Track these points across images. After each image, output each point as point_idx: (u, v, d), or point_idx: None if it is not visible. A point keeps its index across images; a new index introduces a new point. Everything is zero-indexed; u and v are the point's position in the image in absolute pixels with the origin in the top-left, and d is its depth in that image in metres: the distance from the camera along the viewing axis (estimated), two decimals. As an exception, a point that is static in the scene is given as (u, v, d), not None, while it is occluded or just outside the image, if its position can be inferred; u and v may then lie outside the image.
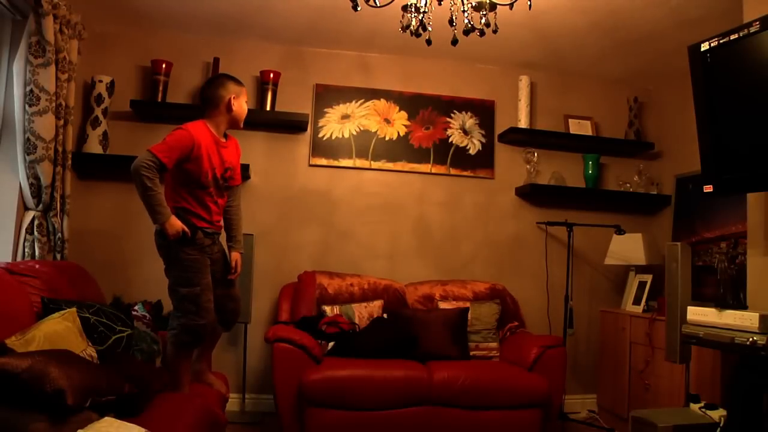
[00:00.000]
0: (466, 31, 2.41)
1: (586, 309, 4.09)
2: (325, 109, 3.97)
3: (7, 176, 2.93)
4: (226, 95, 2.65)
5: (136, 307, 2.70)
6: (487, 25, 2.40)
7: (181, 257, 2.53)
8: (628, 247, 3.83)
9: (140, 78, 3.80)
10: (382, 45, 3.89)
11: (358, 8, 2.39)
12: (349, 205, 3.96)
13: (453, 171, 4.07)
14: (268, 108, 3.78)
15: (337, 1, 3.20)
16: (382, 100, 4.04)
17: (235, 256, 2.81)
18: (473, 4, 2.40)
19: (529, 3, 2.38)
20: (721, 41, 2.36)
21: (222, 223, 2.77)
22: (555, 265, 4.04)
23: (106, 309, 2.42)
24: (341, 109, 3.98)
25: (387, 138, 4.02)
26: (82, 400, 1.62)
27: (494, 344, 3.48)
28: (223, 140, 2.70)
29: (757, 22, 2.20)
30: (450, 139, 4.09)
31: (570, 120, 4.22)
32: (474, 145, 4.11)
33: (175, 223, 2.47)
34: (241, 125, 2.75)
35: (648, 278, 3.70)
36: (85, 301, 2.39)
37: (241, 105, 2.71)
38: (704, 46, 2.43)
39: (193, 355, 2.64)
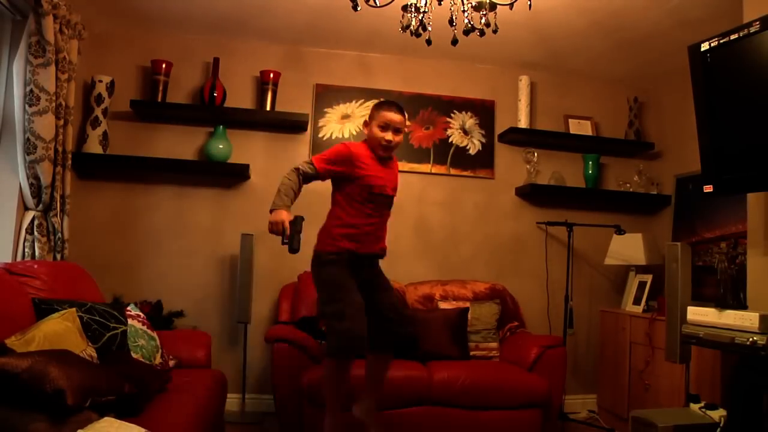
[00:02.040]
0: (466, 31, 2.41)
1: (586, 309, 4.09)
2: (325, 109, 3.97)
3: (7, 176, 2.93)
4: (368, 119, 2.60)
5: (129, 308, 2.69)
6: (487, 25, 2.40)
7: (322, 277, 2.52)
8: (628, 247, 3.83)
9: (140, 78, 3.80)
10: (382, 45, 3.89)
11: (358, 8, 2.39)
12: (349, 205, 3.95)
13: (453, 171, 4.07)
14: (268, 108, 3.78)
15: (337, 1, 3.20)
16: (382, 100, 4.03)
17: None
18: (473, 4, 2.41)
19: (529, 3, 2.38)
20: (721, 41, 2.35)
21: (383, 245, 2.63)
22: (555, 265, 4.04)
23: (99, 307, 2.42)
24: (341, 109, 3.98)
25: (387, 138, 4.01)
26: (82, 400, 1.62)
27: (494, 344, 3.48)
28: (386, 161, 2.59)
29: (757, 22, 2.20)
30: (450, 139, 4.09)
31: (570, 120, 4.22)
32: (474, 145, 4.11)
33: (278, 216, 2.34)
34: (380, 152, 2.54)
35: (648, 278, 3.70)
36: (77, 300, 2.39)
37: (372, 131, 2.53)
38: (704, 46, 2.43)
39: (348, 375, 2.50)
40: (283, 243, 2.34)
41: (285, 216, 2.34)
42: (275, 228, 2.33)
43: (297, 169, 2.44)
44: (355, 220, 2.52)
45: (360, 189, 2.49)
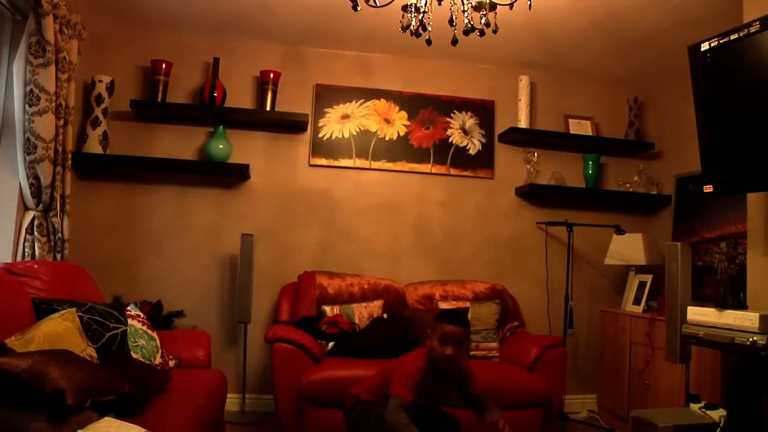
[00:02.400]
0: (466, 31, 2.41)
1: (586, 309, 4.09)
2: (325, 109, 3.97)
3: (7, 176, 2.93)
4: (429, 330, 2.40)
5: (129, 308, 2.69)
6: (487, 25, 2.40)
7: None
8: (628, 247, 3.83)
9: (140, 78, 3.80)
10: (382, 45, 3.89)
11: (358, 8, 2.39)
12: (349, 205, 3.96)
13: (453, 171, 4.07)
14: (268, 108, 3.78)
15: (337, 1, 3.20)
16: (382, 100, 4.04)
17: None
18: (473, 4, 2.40)
19: (529, 3, 2.38)
20: (721, 41, 2.35)
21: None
22: (555, 265, 4.04)
23: (99, 307, 2.42)
24: (341, 109, 3.98)
25: (387, 138, 4.02)
26: (82, 400, 1.62)
27: (494, 344, 3.48)
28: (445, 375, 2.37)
29: (757, 22, 2.20)
30: (450, 139, 4.09)
31: (570, 120, 4.22)
32: (474, 145, 4.11)
33: None
34: (440, 367, 2.33)
35: (648, 278, 3.70)
36: (78, 300, 2.39)
37: (432, 344, 2.32)
38: (704, 46, 2.43)
39: None
40: None
41: None
42: None
43: (396, 408, 2.23)
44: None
45: None
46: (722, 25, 2.43)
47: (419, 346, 2.64)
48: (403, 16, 2.52)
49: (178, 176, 3.77)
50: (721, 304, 2.36)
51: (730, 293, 2.50)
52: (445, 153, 4.07)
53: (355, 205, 3.96)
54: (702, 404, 2.55)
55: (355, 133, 3.98)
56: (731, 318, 2.25)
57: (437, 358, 2.32)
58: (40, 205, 2.96)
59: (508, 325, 3.63)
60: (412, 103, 4.06)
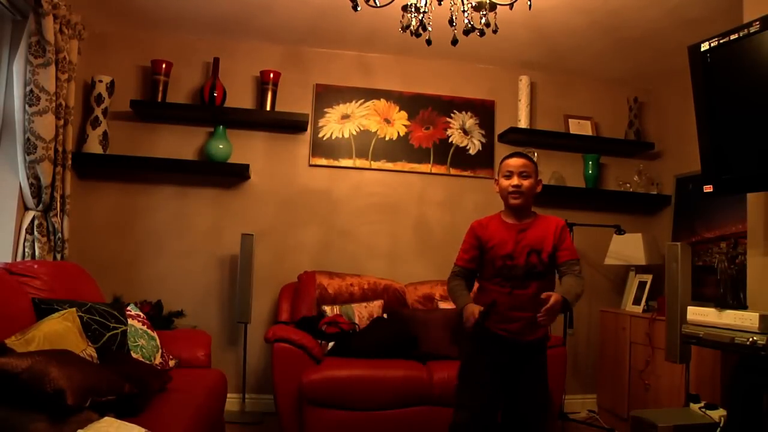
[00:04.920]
0: (466, 31, 2.41)
1: (586, 309, 4.09)
2: (325, 109, 3.97)
3: (7, 176, 2.93)
4: (495, 181, 2.43)
5: (129, 308, 2.70)
6: (487, 25, 2.40)
7: (462, 349, 2.46)
8: (628, 247, 3.82)
9: (140, 78, 3.80)
10: (382, 45, 3.89)
11: (358, 8, 2.39)
12: (349, 205, 3.96)
13: (453, 171, 4.07)
14: (268, 108, 3.78)
15: (337, 1, 3.20)
16: (382, 100, 4.04)
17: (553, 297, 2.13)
18: (473, 4, 2.41)
19: (529, 3, 2.38)
20: (721, 41, 2.35)
21: (522, 327, 2.26)
22: (555, 265, 4.04)
23: (99, 307, 2.42)
24: (341, 109, 3.98)
25: (387, 138, 4.02)
26: (82, 400, 1.62)
27: (494, 344, 3.47)
28: (523, 222, 2.34)
29: (757, 22, 2.20)
30: (450, 139, 4.09)
31: (570, 120, 4.22)
32: (474, 145, 4.11)
33: (467, 310, 2.23)
34: (510, 202, 2.33)
35: (648, 278, 3.70)
36: (78, 300, 2.39)
37: (500, 184, 2.36)
38: (704, 46, 2.42)
39: None
40: (475, 328, 2.23)
41: (473, 308, 2.22)
42: (468, 324, 2.22)
43: (451, 275, 2.41)
44: (489, 298, 2.31)
45: (488, 263, 2.33)
46: (722, 25, 2.43)
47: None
48: (403, 16, 2.52)
49: (178, 176, 3.77)
50: (721, 304, 2.35)
51: (730, 293, 2.50)
52: (445, 153, 4.07)
53: (355, 205, 3.96)
54: (702, 404, 2.55)
55: (355, 133, 3.99)
56: (731, 318, 2.25)
57: (505, 195, 2.34)
58: (40, 205, 2.96)
59: (508, 325, 3.63)
60: (412, 103, 4.06)
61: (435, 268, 3.97)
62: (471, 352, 2.36)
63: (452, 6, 2.43)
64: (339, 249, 3.91)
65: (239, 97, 3.86)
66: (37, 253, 2.92)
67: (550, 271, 2.31)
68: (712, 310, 2.37)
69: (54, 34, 2.87)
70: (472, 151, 4.11)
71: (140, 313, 2.72)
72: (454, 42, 2.49)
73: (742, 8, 2.62)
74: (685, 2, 3.06)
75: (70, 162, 3.16)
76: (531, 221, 2.35)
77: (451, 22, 2.42)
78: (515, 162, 2.34)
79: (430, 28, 2.47)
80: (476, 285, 2.43)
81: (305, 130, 3.94)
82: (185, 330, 3.35)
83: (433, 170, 4.05)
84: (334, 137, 3.96)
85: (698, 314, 2.43)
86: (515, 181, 2.30)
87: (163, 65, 3.67)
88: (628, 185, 4.17)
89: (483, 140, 4.13)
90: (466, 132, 4.12)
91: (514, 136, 4.06)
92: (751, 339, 2.12)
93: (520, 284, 2.26)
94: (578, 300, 2.23)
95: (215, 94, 3.71)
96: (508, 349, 2.28)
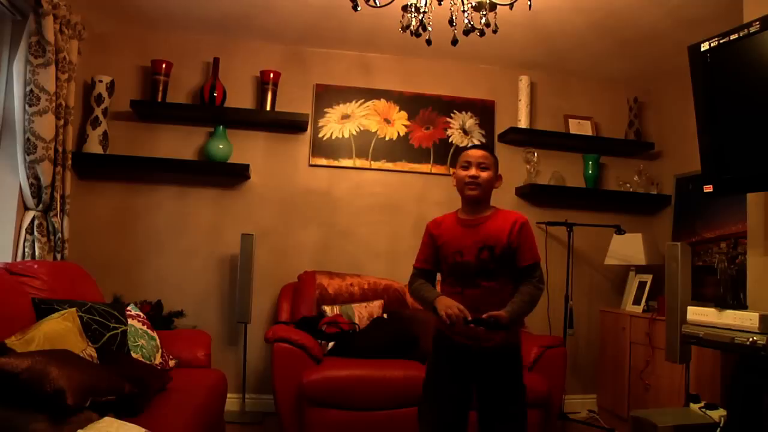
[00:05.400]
0: (466, 31, 2.41)
1: (586, 309, 4.09)
2: (325, 109, 3.97)
3: (7, 176, 2.93)
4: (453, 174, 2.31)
5: (129, 308, 2.70)
6: (487, 25, 2.40)
7: (429, 358, 2.26)
8: (628, 247, 3.82)
9: (140, 78, 3.80)
10: (382, 45, 3.89)
11: (358, 8, 2.39)
12: (349, 205, 3.96)
13: (453, 171, 4.06)
14: (268, 108, 3.78)
15: (337, 1, 3.20)
16: (382, 100, 4.04)
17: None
18: (473, 4, 2.41)
19: (529, 3, 2.38)
20: (721, 41, 2.35)
21: (477, 331, 2.05)
22: (555, 265, 4.03)
23: (99, 307, 2.42)
24: (341, 109, 3.98)
25: (387, 138, 4.02)
26: (82, 400, 1.62)
27: (494, 344, 3.47)
28: (478, 216, 2.22)
29: (757, 22, 2.20)
30: (450, 139, 4.09)
31: (570, 120, 4.22)
32: (474, 145, 4.11)
33: (443, 303, 2.07)
34: (465, 193, 2.25)
35: (648, 278, 3.70)
36: (78, 300, 2.39)
37: (457, 174, 2.26)
38: (704, 46, 2.43)
39: None
40: (466, 323, 2.02)
41: (449, 301, 2.06)
42: (451, 312, 2.01)
43: (410, 278, 2.31)
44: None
45: (442, 262, 2.21)
46: (722, 25, 2.43)
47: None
48: (403, 16, 2.52)
49: (178, 176, 3.77)
50: (721, 304, 2.36)
51: (730, 293, 2.50)
52: (445, 153, 4.07)
53: (355, 205, 3.96)
54: (702, 404, 2.55)
55: (355, 133, 3.98)
56: (731, 318, 2.25)
57: (462, 187, 2.24)
58: (40, 205, 2.96)
59: (508, 325, 3.62)
60: (412, 103, 4.06)
61: (435, 268, 3.97)
62: (433, 362, 2.23)
63: (452, 6, 2.43)
64: (339, 249, 3.91)
65: (239, 97, 3.86)
66: (37, 253, 2.92)
67: (504, 270, 2.12)
68: (712, 310, 2.37)
69: (54, 34, 2.87)
70: (472, 151, 4.10)
71: (140, 313, 2.72)
72: (454, 42, 2.49)
73: (742, 8, 2.62)
74: (685, 2, 3.06)
75: (70, 162, 3.16)
76: (487, 216, 2.22)
77: (451, 22, 2.42)
78: (474, 153, 2.25)
79: (430, 28, 2.47)
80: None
81: (305, 130, 3.94)
82: (185, 330, 3.35)
83: (433, 170, 4.05)
84: (334, 137, 3.96)
85: (698, 314, 2.43)
86: (473, 171, 2.21)
87: (163, 65, 3.67)
88: (628, 185, 4.17)
89: (483, 140, 4.12)
90: (466, 132, 4.12)
91: (514, 136, 4.06)
92: (751, 339, 2.12)
93: (471, 283, 2.11)
94: (527, 313, 2.16)
95: (215, 94, 3.71)
96: (469, 356, 2.12)
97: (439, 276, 2.30)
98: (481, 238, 2.13)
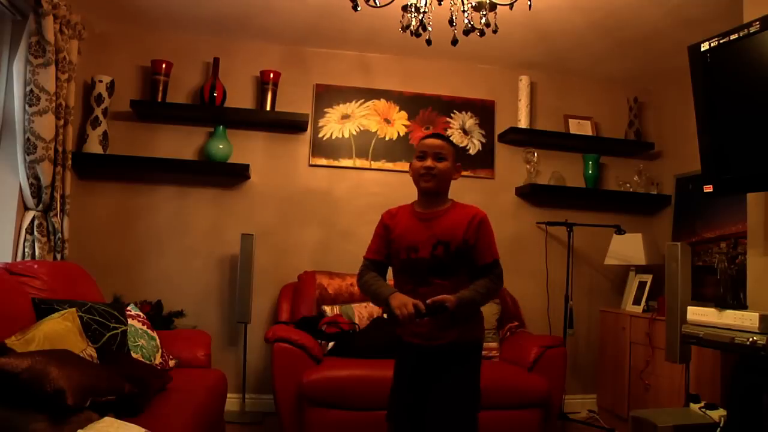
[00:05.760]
0: (466, 31, 2.41)
1: (586, 309, 4.09)
2: (325, 109, 3.97)
3: (7, 176, 2.93)
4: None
5: (129, 308, 2.70)
6: (487, 25, 2.40)
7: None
8: (628, 247, 3.82)
9: (140, 78, 3.80)
10: (382, 45, 3.89)
11: (358, 8, 2.39)
12: (349, 205, 3.96)
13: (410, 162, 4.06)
14: (268, 108, 3.78)
15: (337, 1, 3.20)
16: (382, 100, 4.04)
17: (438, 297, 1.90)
18: (473, 4, 2.41)
19: (529, 3, 2.38)
20: (721, 41, 2.35)
21: (430, 330, 1.97)
22: (555, 265, 4.04)
23: (99, 307, 2.42)
24: (341, 109, 3.98)
25: (387, 138, 4.02)
26: (82, 400, 1.62)
27: (494, 344, 3.48)
28: (434, 210, 2.07)
29: (757, 22, 2.20)
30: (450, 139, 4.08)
31: (570, 120, 4.22)
32: (474, 145, 4.11)
33: (397, 300, 1.91)
34: (420, 185, 2.08)
35: (648, 278, 3.70)
36: (78, 300, 2.39)
37: (413, 164, 2.08)
38: (704, 46, 2.43)
39: None
40: (419, 317, 1.88)
41: (404, 297, 1.91)
42: (406, 312, 1.86)
43: (360, 270, 2.13)
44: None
45: (394, 256, 2.08)
46: (722, 25, 2.43)
47: None
48: (403, 16, 2.52)
49: (178, 176, 3.77)
50: (721, 304, 2.36)
51: (730, 293, 2.50)
52: (445, 153, 4.06)
53: (355, 205, 3.96)
54: (702, 404, 2.55)
55: (355, 133, 3.98)
56: (731, 318, 2.25)
57: (417, 178, 2.07)
58: (40, 205, 2.96)
59: (508, 325, 3.63)
60: (412, 103, 4.06)
61: (435, 268, 3.97)
62: (395, 369, 2.12)
63: (452, 6, 2.43)
64: (339, 249, 3.91)
65: (239, 97, 3.86)
66: (37, 253, 2.92)
67: (459, 268, 1.98)
68: (712, 310, 2.37)
69: (54, 34, 2.87)
70: (472, 151, 4.10)
71: (140, 313, 2.72)
72: (454, 42, 2.49)
73: (742, 8, 2.62)
74: (685, 2, 3.06)
75: (70, 162, 3.16)
76: (443, 209, 2.07)
77: (451, 22, 2.42)
78: (431, 142, 2.08)
79: (430, 28, 2.47)
80: None
81: (305, 130, 3.94)
82: (185, 330, 3.35)
83: (433, 170, 4.04)
84: (334, 137, 3.96)
85: (698, 314, 2.43)
86: (428, 162, 2.04)
87: (163, 65, 3.67)
88: (628, 185, 4.17)
89: (483, 140, 4.13)
90: (466, 132, 4.12)
91: (514, 136, 4.06)
92: (751, 339, 2.12)
93: (424, 281, 1.99)
94: (480, 304, 2.00)
95: (215, 94, 3.71)
96: (422, 358, 2.01)
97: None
98: (435, 234, 1.99)
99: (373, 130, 4.00)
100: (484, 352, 3.40)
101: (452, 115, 4.11)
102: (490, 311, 3.54)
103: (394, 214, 2.14)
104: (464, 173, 4.07)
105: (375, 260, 2.11)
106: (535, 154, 4.07)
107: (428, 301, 1.88)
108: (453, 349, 1.99)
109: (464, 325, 1.99)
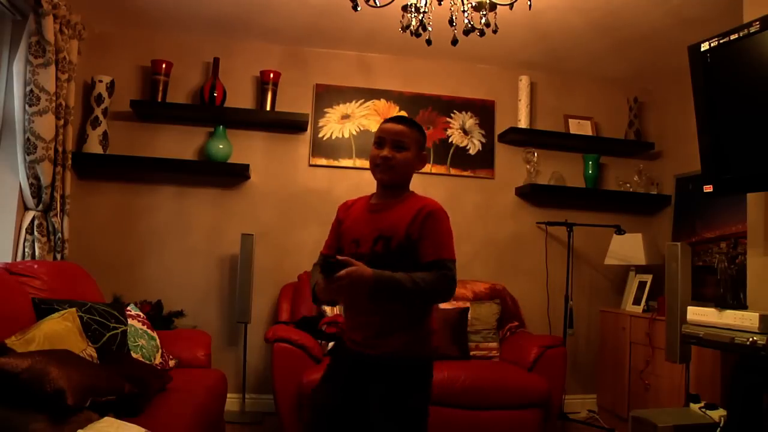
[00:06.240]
0: (466, 31, 2.41)
1: (586, 309, 4.09)
2: (325, 109, 3.97)
3: (7, 176, 2.93)
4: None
5: (129, 308, 2.70)
6: (487, 25, 2.40)
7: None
8: (628, 247, 3.82)
9: (140, 78, 3.80)
10: (382, 45, 3.89)
11: (358, 8, 2.39)
12: (349, 205, 3.95)
13: (453, 171, 4.07)
14: (268, 108, 3.78)
15: (337, 1, 3.20)
16: (382, 100, 4.04)
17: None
18: (473, 4, 2.41)
19: (529, 3, 2.38)
20: (721, 41, 2.35)
21: (366, 336, 1.74)
22: (555, 265, 4.04)
23: (99, 307, 2.42)
24: (341, 109, 3.98)
25: (387, 138, 4.01)
26: (82, 400, 1.62)
27: (494, 344, 3.48)
28: (386, 201, 1.83)
29: (757, 22, 2.20)
30: (450, 139, 4.09)
31: (570, 120, 4.22)
32: (474, 145, 4.11)
33: (314, 276, 1.80)
34: (375, 176, 1.85)
35: (648, 278, 3.70)
36: (78, 300, 2.39)
37: (371, 152, 1.84)
38: (704, 46, 2.43)
39: None
40: (325, 272, 1.64)
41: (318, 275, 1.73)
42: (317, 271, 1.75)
43: (313, 266, 2.00)
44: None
45: (343, 251, 1.85)
46: (722, 25, 2.43)
47: None
48: (403, 16, 2.52)
49: (178, 176, 3.77)
50: (721, 304, 2.36)
51: (730, 293, 2.50)
52: (445, 153, 4.07)
53: (355, 205, 3.96)
54: (702, 404, 2.55)
55: (355, 133, 3.98)
56: (731, 318, 2.25)
57: (372, 168, 1.83)
58: (40, 205, 2.96)
59: (508, 325, 3.63)
60: (412, 103, 4.06)
61: (435, 268, 3.97)
62: (326, 368, 1.86)
63: (452, 6, 2.43)
64: (339, 249, 3.91)
65: (239, 97, 3.86)
66: (37, 253, 2.92)
67: (401, 268, 1.66)
68: (712, 310, 2.37)
69: (54, 34, 2.87)
70: (472, 151, 4.10)
71: (140, 313, 2.72)
72: (454, 42, 2.49)
73: (742, 8, 2.62)
74: (685, 2, 3.06)
75: (70, 162, 3.16)
76: (395, 201, 1.81)
77: (451, 22, 2.42)
78: (390, 127, 1.80)
79: (430, 28, 2.47)
80: None
81: (305, 130, 3.94)
82: (185, 330, 3.35)
83: (433, 170, 4.05)
84: (334, 137, 3.96)
85: (698, 314, 2.43)
86: (385, 151, 1.78)
87: (163, 65, 3.67)
88: (628, 185, 4.17)
89: (483, 140, 4.13)
90: (466, 132, 4.12)
91: (514, 136, 4.06)
92: (751, 339, 2.12)
93: None
94: (410, 297, 1.65)
95: (215, 94, 3.71)
96: (355, 366, 1.75)
97: None
98: (379, 227, 1.74)
99: (373, 130, 4.00)
100: (484, 352, 3.43)
101: (452, 115, 4.11)
102: (490, 311, 3.55)
103: (349, 206, 1.97)
104: (464, 173, 4.08)
105: (325, 255, 1.91)
106: (535, 154, 4.07)
107: (339, 257, 1.61)
108: (394, 364, 1.69)
109: (407, 335, 1.71)
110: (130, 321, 2.54)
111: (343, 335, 1.86)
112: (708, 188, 2.47)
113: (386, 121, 1.86)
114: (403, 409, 1.67)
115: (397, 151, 1.78)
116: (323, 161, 3.94)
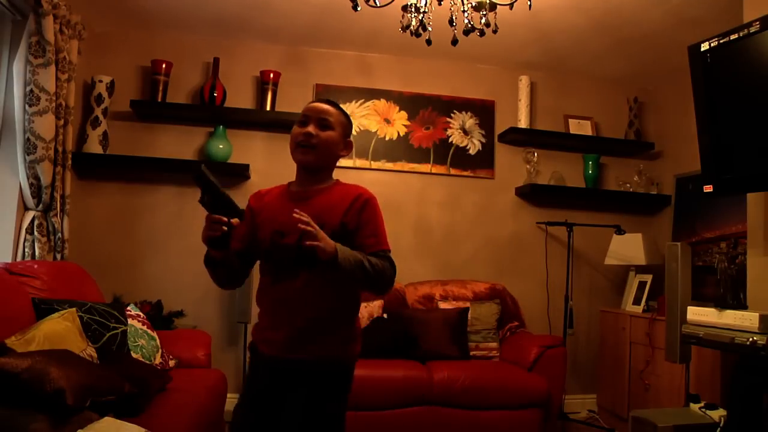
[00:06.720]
0: (466, 31, 2.41)
1: (586, 309, 4.09)
2: (325, 109, 3.96)
3: (7, 176, 2.93)
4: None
5: (129, 308, 2.70)
6: (487, 25, 2.40)
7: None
8: (628, 247, 3.82)
9: (140, 78, 3.80)
10: (382, 45, 3.89)
11: (358, 8, 2.39)
12: (349, 205, 3.95)
13: (453, 171, 4.07)
14: (268, 108, 3.78)
15: (337, 1, 3.20)
16: (382, 100, 4.04)
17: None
18: (473, 4, 2.41)
19: (529, 3, 2.38)
20: (721, 41, 2.36)
21: (286, 338, 1.61)
22: (555, 265, 4.04)
23: (99, 307, 2.42)
24: (341, 109, 3.98)
25: (387, 138, 4.02)
26: (82, 400, 1.62)
27: (494, 344, 3.48)
28: (310, 188, 1.75)
29: (757, 22, 2.20)
30: (450, 139, 4.09)
31: (570, 120, 4.22)
32: (474, 145, 4.11)
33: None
34: (295, 156, 1.77)
35: (648, 278, 3.70)
36: (78, 300, 2.39)
37: (292, 131, 1.76)
38: (704, 46, 2.43)
39: None
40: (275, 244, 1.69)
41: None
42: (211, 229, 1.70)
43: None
44: (260, 294, 1.72)
45: (259, 245, 1.73)
46: (722, 25, 2.44)
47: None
48: (403, 16, 2.53)
49: (178, 176, 3.77)
50: (721, 304, 2.36)
51: (730, 293, 2.50)
52: (445, 153, 4.07)
53: (355, 205, 3.96)
54: (702, 404, 2.55)
55: (355, 133, 3.98)
56: (731, 318, 2.25)
57: (293, 148, 1.73)
58: (40, 205, 2.96)
59: (508, 325, 3.63)
60: (412, 103, 4.06)
61: (435, 268, 3.97)
62: (246, 380, 1.73)
63: (452, 6, 2.43)
64: (339, 249, 3.91)
65: (239, 97, 3.86)
66: (37, 253, 2.92)
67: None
68: (712, 310, 2.37)
69: (54, 34, 2.86)
70: (472, 151, 4.10)
71: (140, 313, 2.72)
72: (454, 42, 2.49)
73: (742, 8, 2.62)
74: (685, 2, 3.06)
75: (70, 162, 3.16)
76: (322, 188, 1.72)
77: (451, 22, 2.42)
78: (315, 105, 1.72)
79: (430, 28, 2.47)
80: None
81: (305, 130, 3.93)
82: (185, 330, 3.35)
83: (433, 170, 4.05)
84: (334, 137, 3.95)
85: (698, 314, 2.43)
86: (309, 128, 1.68)
87: (163, 65, 3.67)
88: (628, 185, 4.17)
89: (483, 140, 4.13)
90: (466, 132, 4.12)
91: (514, 136, 4.06)
92: (751, 339, 2.12)
93: (288, 272, 1.62)
94: (365, 275, 1.59)
95: (215, 94, 3.71)
96: (274, 374, 1.61)
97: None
98: (308, 215, 1.55)
99: (373, 130, 4.00)
100: (484, 352, 3.44)
101: (452, 115, 4.11)
102: (490, 311, 3.55)
103: (262, 196, 1.83)
104: (464, 173, 4.08)
105: (234, 248, 1.78)
106: (535, 154, 4.07)
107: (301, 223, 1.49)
108: (316, 369, 1.58)
109: (334, 336, 1.63)
110: (130, 321, 2.54)
111: (256, 341, 1.67)
112: (708, 188, 2.47)
113: (311, 102, 1.78)
114: (321, 416, 1.58)
115: (321, 130, 1.68)
116: (323, 161, 3.93)
